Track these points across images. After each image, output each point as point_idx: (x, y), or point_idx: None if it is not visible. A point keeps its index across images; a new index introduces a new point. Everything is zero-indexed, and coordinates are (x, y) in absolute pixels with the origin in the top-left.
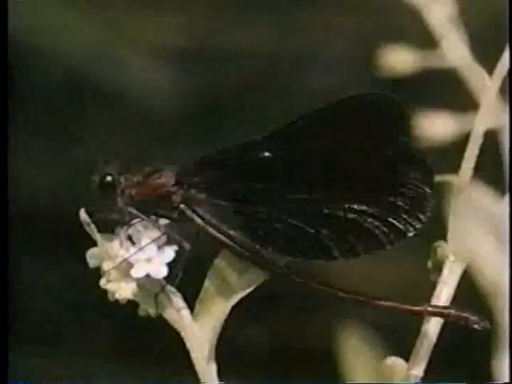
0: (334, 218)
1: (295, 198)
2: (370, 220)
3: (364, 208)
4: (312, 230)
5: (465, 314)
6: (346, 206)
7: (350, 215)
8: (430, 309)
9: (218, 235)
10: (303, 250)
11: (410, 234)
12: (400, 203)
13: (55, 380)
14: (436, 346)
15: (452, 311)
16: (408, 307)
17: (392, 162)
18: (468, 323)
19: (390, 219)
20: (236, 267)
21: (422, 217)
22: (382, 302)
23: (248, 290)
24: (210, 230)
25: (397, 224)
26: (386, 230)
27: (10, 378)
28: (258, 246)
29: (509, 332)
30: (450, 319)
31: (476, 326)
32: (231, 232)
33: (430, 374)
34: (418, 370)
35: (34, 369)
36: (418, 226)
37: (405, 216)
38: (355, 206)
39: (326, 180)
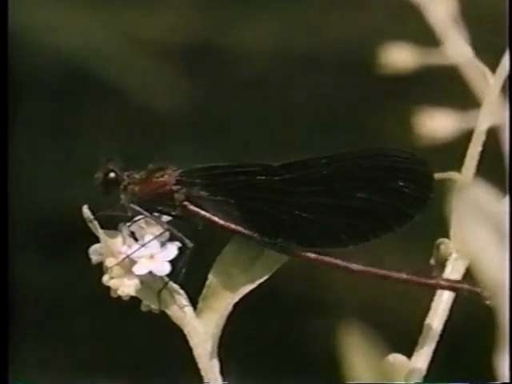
0: (340, 207)
1: (299, 192)
2: (375, 206)
3: (369, 195)
4: (319, 220)
5: (477, 289)
6: (351, 195)
7: (356, 203)
8: (442, 282)
9: (227, 224)
10: (312, 239)
11: (417, 216)
12: (404, 189)
13: (55, 380)
14: (436, 346)
15: (465, 285)
16: (422, 280)
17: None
18: (480, 297)
19: (395, 204)
20: (239, 264)
21: (427, 200)
22: (394, 274)
23: (251, 287)
24: (218, 220)
25: (403, 208)
26: (392, 214)
27: (10, 378)
28: (266, 239)
29: (509, 332)
30: (462, 293)
31: (487, 302)
32: (238, 227)
33: (430, 374)
34: (421, 367)
35: (34, 369)
36: (424, 208)
37: (410, 199)
38: (360, 195)
39: (330, 175)
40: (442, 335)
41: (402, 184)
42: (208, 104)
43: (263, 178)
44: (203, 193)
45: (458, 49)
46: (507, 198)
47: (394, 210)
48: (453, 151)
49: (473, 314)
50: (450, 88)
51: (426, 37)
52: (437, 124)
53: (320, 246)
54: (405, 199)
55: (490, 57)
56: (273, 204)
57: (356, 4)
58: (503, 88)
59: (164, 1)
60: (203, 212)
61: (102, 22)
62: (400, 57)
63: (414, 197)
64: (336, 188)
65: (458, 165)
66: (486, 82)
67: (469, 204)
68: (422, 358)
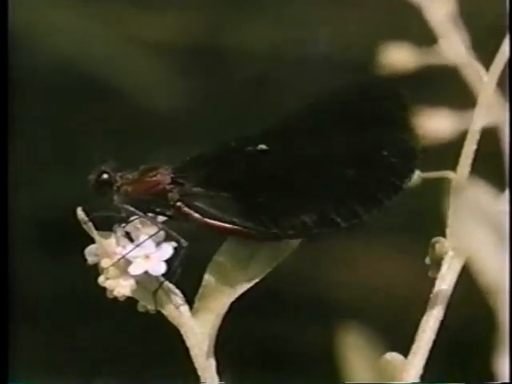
0: (331, 187)
1: (292, 178)
2: (363, 180)
3: (356, 170)
4: (313, 205)
5: None
6: (340, 172)
7: (345, 180)
8: None
9: (221, 223)
10: (308, 225)
11: (404, 186)
12: (392, 159)
13: (55, 380)
14: (436, 346)
15: None
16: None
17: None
18: None
19: (383, 176)
20: (235, 263)
21: (413, 169)
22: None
23: (247, 286)
24: (210, 221)
25: (391, 179)
26: (380, 186)
27: (10, 378)
28: (263, 229)
29: (509, 332)
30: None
31: None
32: (234, 219)
33: (430, 373)
34: (418, 365)
35: (34, 369)
36: (410, 177)
37: (397, 171)
38: (348, 171)
39: (320, 157)
40: (441, 335)
41: (386, 154)
42: (208, 104)
43: (257, 169)
44: (198, 189)
45: (456, 49)
46: (507, 198)
47: (382, 182)
48: (449, 151)
49: (472, 314)
50: (449, 88)
51: (426, 37)
52: (436, 124)
53: (317, 230)
54: (392, 171)
55: (488, 57)
56: (268, 194)
57: (355, 4)
58: (503, 87)
59: (164, 1)
60: (196, 214)
61: (102, 22)
62: (399, 57)
63: (402, 168)
64: (324, 165)
65: (455, 164)
66: (482, 80)
67: (466, 203)
68: (418, 357)
